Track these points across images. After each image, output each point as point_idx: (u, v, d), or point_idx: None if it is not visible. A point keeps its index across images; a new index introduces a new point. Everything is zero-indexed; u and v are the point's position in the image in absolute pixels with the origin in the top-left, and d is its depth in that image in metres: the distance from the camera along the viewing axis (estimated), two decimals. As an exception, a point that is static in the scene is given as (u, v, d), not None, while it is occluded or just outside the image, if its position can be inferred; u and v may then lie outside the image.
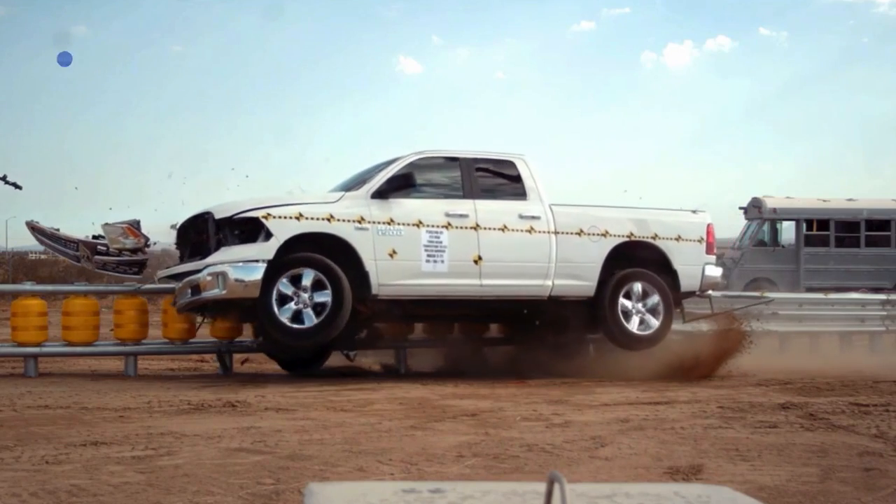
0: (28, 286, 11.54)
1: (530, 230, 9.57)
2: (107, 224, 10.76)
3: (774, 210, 22.17)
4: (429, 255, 9.15)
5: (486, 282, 9.35)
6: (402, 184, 9.19)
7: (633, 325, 9.85)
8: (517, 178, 9.81)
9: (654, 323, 9.91)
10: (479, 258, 9.32)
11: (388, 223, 9.04)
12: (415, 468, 5.34)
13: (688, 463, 5.53)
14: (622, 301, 9.81)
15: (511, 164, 9.89)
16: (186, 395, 8.23)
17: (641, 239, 10.07)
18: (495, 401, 8.10)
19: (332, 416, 7.25)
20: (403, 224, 9.10)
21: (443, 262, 9.19)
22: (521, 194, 9.73)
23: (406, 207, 9.19)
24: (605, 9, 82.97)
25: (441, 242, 9.19)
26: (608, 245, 9.87)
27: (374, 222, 9.00)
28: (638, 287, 9.91)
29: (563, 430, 6.65)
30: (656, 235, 10.14)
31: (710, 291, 10.78)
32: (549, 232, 9.66)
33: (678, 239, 10.24)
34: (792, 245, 22.19)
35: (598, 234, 9.85)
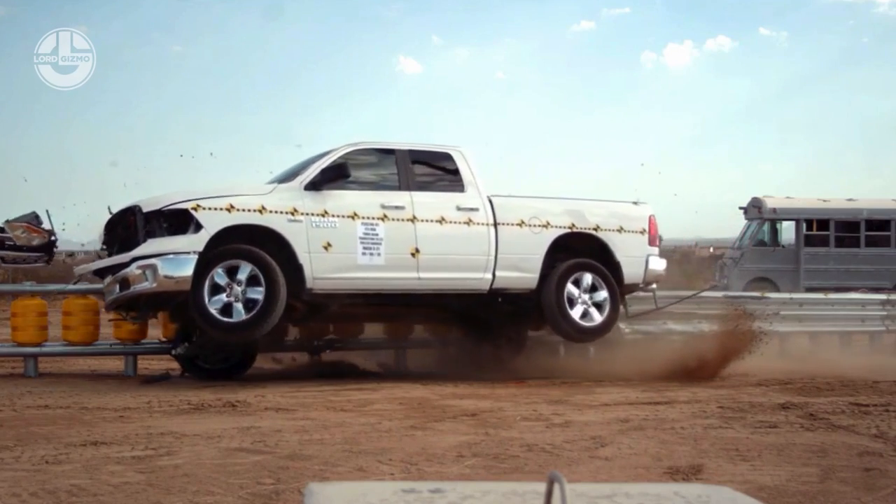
0: (28, 286, 11.54)
1: (469, 222, 9.44)
2: (7, 221, 10.67)
3: (774, 210, 22.16)
4: (365, 248, 8.99)
5: (424, 275, 9.20)
6: (335, 175, 9.00)
7: (578, 314, 9.68)
8: (455, 171, 9.67)
9: (600, 314, 9.78)
10: (417, 251, 9.16)
11: (323, 215, 8.86)
12: (415, 468, 5.35)
13: (688, 463, 5.53)
14: (568, 289, 9.65)
15: (448, 157, 9.75)
16: (186, 395, 8.23)
17: (583, 230, 9.94)
18: (495, 401, 8.10)
19: (332, 416, 7.25)
20: (338, 216, 8.92)
21: (379, 254, 9.03)
22: (458, 186, 9.60)
23: (341, 199, 9.00)
24: (605, 9, 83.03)
25: (377, 235, 9.04)
26: (549, 236, 9.74)
27: (307, 214, 8.81)
28: (583, 277, 9.76)
29: (563, 430, 6.65)
30: (598, 227, 10.01)
31: (654, 285, 10.70)
32: (487, 224, 9.52)
33: (620, 230, 10.13)
34: (792, 245, 22.18)
35: (538, 226, 9.73)
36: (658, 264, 10.44)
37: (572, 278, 9.71)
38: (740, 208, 23.22)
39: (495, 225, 9.56)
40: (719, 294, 14.28)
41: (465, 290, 9.53)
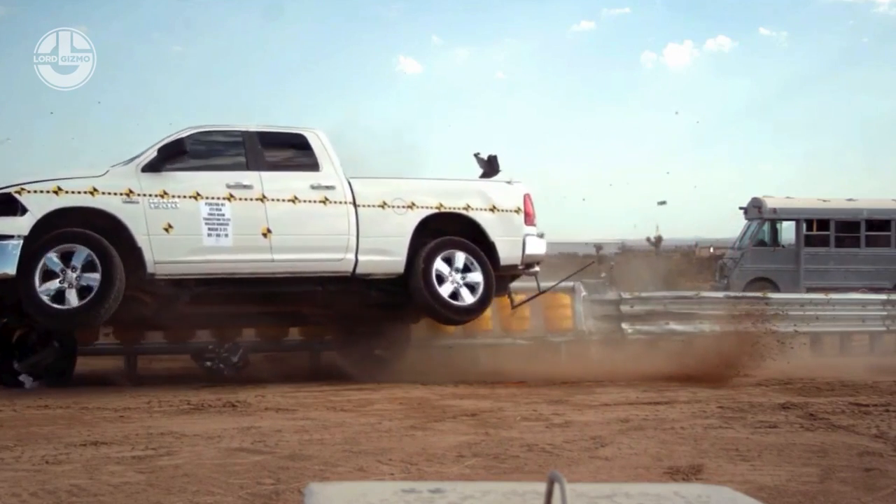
0: None
1: (324, 201, 9.02)
2: None
3: (774, 210, 22.15)
4: (210, 229, 8.54)
5: (278, 256, 8.75)
6: (172, 153, 8.56)
7: (448, 293, 9.24)
8: (308, 151, 9.25)
9: (473, 295, 9.37)
10: (269, 231, 8.73)
11: (162, 196, 8.41)
12: (415, 468, 5.35)
13: (688, 463, 5.53)
14: (438, 267, 9.22)
15: (301, 137, 9.35)
16: (186, 395, 8.23)
17: (452, 210, 9.50)
18: (495, 401, 8.10)
19: (332, 416, 7.25)
20: (179, 196, 8.47)
21: (227, 235, 8.58)
22: (313, 167, 9.17)
23: (181, 180, 8.58)
24: (605, 9, 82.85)
25: (223, 215, 8.59)
26: (415, 217, 9.30)
27: (144, 195, 8.36)
28: (454, 256, 9.32)
29: (563, 430, 6.65)
30: (468, 206, 9.55)
31: (536, 268, 10.23)
32: (346, 203, 9.10)
33: (493, 209, 9.68)
34: (792, 245, 22.17)
35: (403, 206, 9.29)
36: (537, 245, 10.01)
37: (441, 256, 9.27)
38: (740, 208, 23.21)
39: (355, 205, 9.12)
40: (720, 294, 14.30)
41: (326, 272, 9.04)
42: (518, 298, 10.55)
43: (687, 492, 1.31)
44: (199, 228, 8.51)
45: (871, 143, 66.28)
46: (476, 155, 10.41)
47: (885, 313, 13.93)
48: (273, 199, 8.82)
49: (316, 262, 8.98)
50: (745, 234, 22.82)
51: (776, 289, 19.01)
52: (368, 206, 9.19)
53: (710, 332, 11.35)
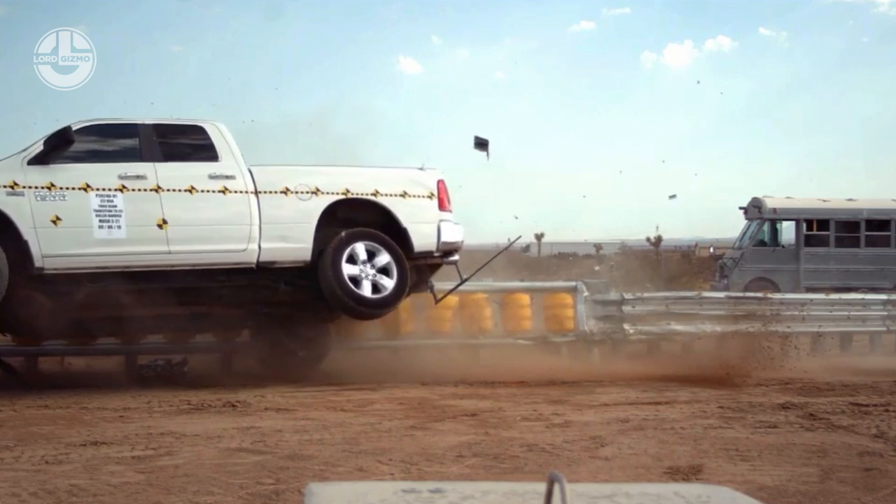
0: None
1: (224, 190, 8.77)
2: None
3: (774, 210, 22.15)
4: (102, 221, 8.28)
5: (175, 248, 8.49)
6: (57, 145, 8.30)
7: (358, 287, 8.97)
8: (207, 142, 9.01)
9: (386, 286, 9.07)
10: (164, 222, 8.47)
11: (49, 188, 8.17)
12: (415, 468, 5.35)
13: (688, 463, 5.53)
14: (347, 260, 8.97)
15: (200, 129, 9.12)
16: (186, 395, 8.23)
17: (360, 196, 9.25)
18: (495, 401, 8.10)
19: (332, 416, 7.25)
20: (67, 188, 8.22)
21: (120, 227, 8.32)
22: (212, 157, 8.93)
23: (71, 172, 8.34)
24: (605, 9, 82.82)
25: (116, 206, 8.34)
26: (321, 204, 9.06)
27: (30, 187, 8.12)
28: (364, 247, 9.06)
29: (563, 430, 6.65)
30: (377, 192, 9.29)
31: (455, 257, 9.92)
32: (247, 192, 8.86)
33: (404, 195, 9.41)
34: (792, 245, 22.18)
35: (307, 193, 9.04)
36: (453, 231, 9.68)
37: (351, 248, 9.01)
38: (740, 208, 23.22)
39: (256, 193, 8.90)
40: (722, 294, 14.29)
41: (228, 263, 8.79)
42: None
43: (687, 492, 1.31)
44: (89, 220, 8.26)
45: (871, 143, 66.24)
46: (476, 138, 10.47)
47: (885, 313, 13.93)
48: (169, 190, 8.58)
49: (217, 253, 8.72)
50: (745, 234, 22.82)
51: (776, 289, 19.01)
52: (270, 192, 8.95)
53: (722, 332, 11.35)
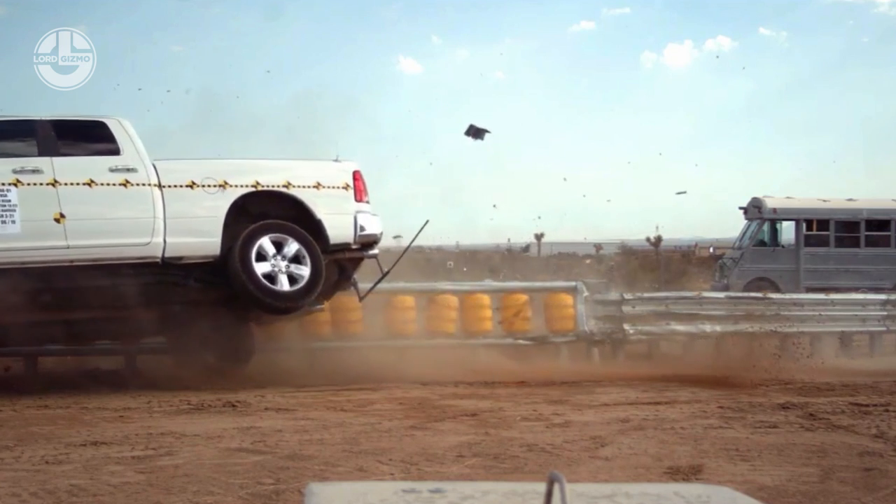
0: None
1: (125, 183, 8.56)
2: None
3: (774, 210, 22.15)
4: None
5: (74, 242, 8.28)
6: None
7: (270, 280, 8.75)
8: (109, 137, 8.80)
9: (299, 279, 8.86)
10: (62, 216, 8.28)
11: None
12: (415, 468, 5.35)
13: (688, 463, 5.53)
14: (258, 253, 8.77)
15: (101, 124, 8.92)
16: (186, 395, 8.23)
17: (271, 188, 9.07)
18: (495, 401, 8.10)
19: (332, 416, 7.25)
20: None
21: (14, 221, 8.16)
22: (113, 151, 8.72)
23: None
24: (605, 9, 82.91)
25: (9, 201, 8.19)
26: (230, 196, 8.85)
27: None
28: (275, 239, 8.88)
29: (563, 430, 6.65)
30: (289, 184, 9.10)
31: (375, 250, 9.71)
32: (150, 185, 8.66)
33: (318, 186, 9.21)
34: (792, 245, 22.18)
35: (214, 186, 8.83)
36: (371, 222, 9.49)
37: (262, 240, 8.82)
38: (740, 208, 23.22)
39: (160, 187, 8.71)
40: (722, 294, 14.30)
41: (132, 258, 8.56)
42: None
43: (687, 492, 1.31)
44: None
45: (871, 143, 66.28)
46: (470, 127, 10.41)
47: (884, 313, 13.93)
48: (66, 184, 8.40)
49: (119, 247, 8.52)
50: (745, 234, 22.82)
51: (776, 289, 19.01)
52: (175, 186, 8.76)
53: (722, 332, 11.35)
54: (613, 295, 12.30)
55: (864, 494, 4.87)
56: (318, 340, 10.56)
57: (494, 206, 23.95)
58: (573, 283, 11.99)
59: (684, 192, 27.01)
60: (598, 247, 36.60)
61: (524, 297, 11.58)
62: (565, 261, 33.08)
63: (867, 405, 7.92)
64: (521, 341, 11.31)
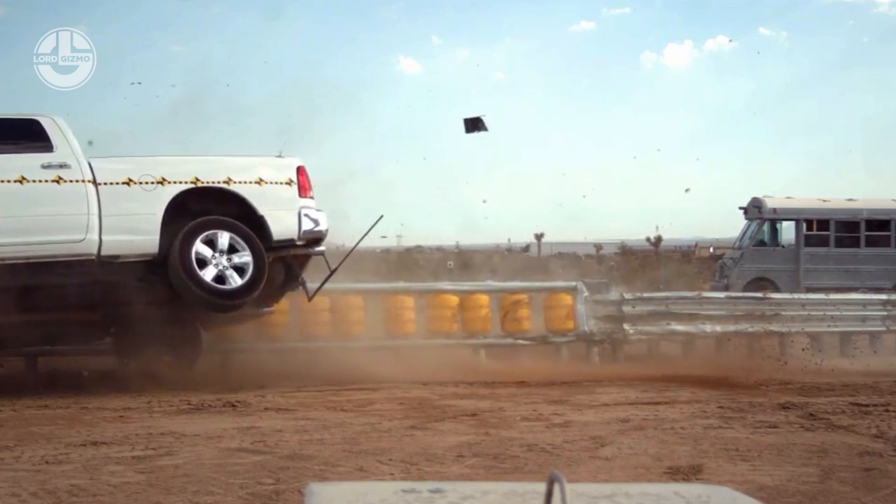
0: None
1: (58, 180, 8.44)
2: None
3: (774, 210, 22.15)
4: None
5: (4, 239, 8.11)
6: None
7: (211, 277, 8.61)
8: (42, 134, 8.67)
9: (242, 276, 8.70)
10: None
11: None
12: (415, 468, 5.35)
13: (688, 463, 5.53)
14: (198, 250, 8.61)
15: (34, 122, 8.79)
16: (186, 395, 8.23)
17: (211, 184, 8.89)
18: (495, 401, 8.10)
19: (332, 416, 7.25)
20: None
21: None
22: (46, 148, 8.58)
23: None
24: (605, 9, 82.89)
25: None
26: (167, 193, 8.69)
27: None
28: (216, 236, 8.70)
29: (563, 430, 6.65)
30: (230, 179, 8.92)
31: (322, 247, 9.54)
32: (84, 181, 8.51)
33: (260, 182, 9.05)
34: (792, 245, 22.18)
35: (152, 182, 8.67)
36: (316, 217, 9.32)
37: (202, 237, 8.65)
38: (740, 208, 23.22)
39: (95, 183, 8.55)
40: (722, 295, 14.30)
41: (65, 255, 8.39)
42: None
43: (687, 492, 1.31)
44: None
45: (871, 143, 66.30)
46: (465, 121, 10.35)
47: (885, 313, 13.93)
48: None
49: (52, 244, 8.35)
50: (745, 234, 22.82)
51: (776, 289, 19.01)
52: (111, 183, 8.62)
53: (722, 332, 11.35)
54: (613, 295, 12.30)
55: (864, 494, 4.87)
56: (319, 340, 10.55)
57: (484, 201, 23.96)
58: (573, 283, 11.99)
59: (688, 191, 27.11)
60: (598, 247, 36.63)
61: (514, 298, 11.57)
62: (564, 261, 33.10)
63: (867, 405, 7.92)
64: (520, 341, 11.31)
